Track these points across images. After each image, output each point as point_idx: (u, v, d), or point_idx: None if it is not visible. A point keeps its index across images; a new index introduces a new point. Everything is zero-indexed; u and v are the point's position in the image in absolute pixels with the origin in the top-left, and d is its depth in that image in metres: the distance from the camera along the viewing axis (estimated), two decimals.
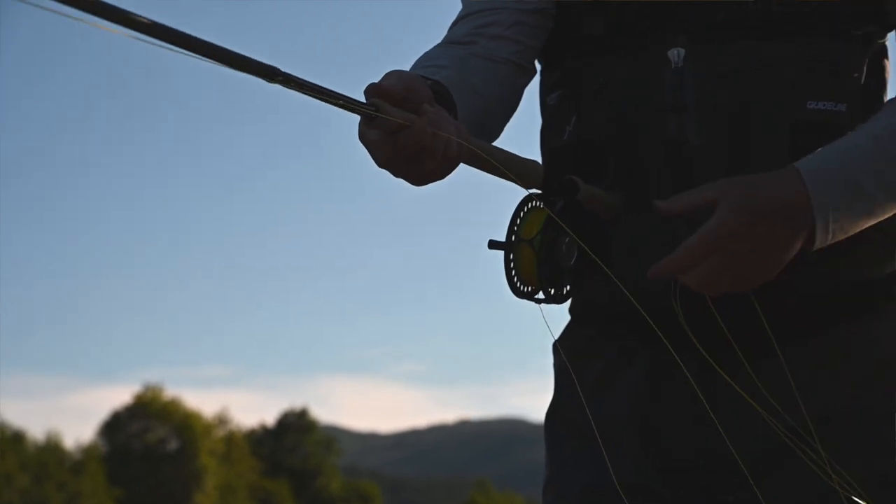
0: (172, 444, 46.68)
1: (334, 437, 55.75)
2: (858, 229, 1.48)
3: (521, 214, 1.50)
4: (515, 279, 1.50)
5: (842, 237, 1.47)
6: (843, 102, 1.54)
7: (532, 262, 1.50)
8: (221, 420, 49.37)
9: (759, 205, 1.42)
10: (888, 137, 1.47)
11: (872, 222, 1.49)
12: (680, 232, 1.47)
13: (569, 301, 1.60)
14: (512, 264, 1.50)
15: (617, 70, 1.60)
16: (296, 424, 52.31)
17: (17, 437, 42.86)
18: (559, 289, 1.53)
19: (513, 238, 1.50)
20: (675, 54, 1.56)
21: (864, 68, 1.56)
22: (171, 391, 50.99)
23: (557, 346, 1.73)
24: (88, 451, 45.05)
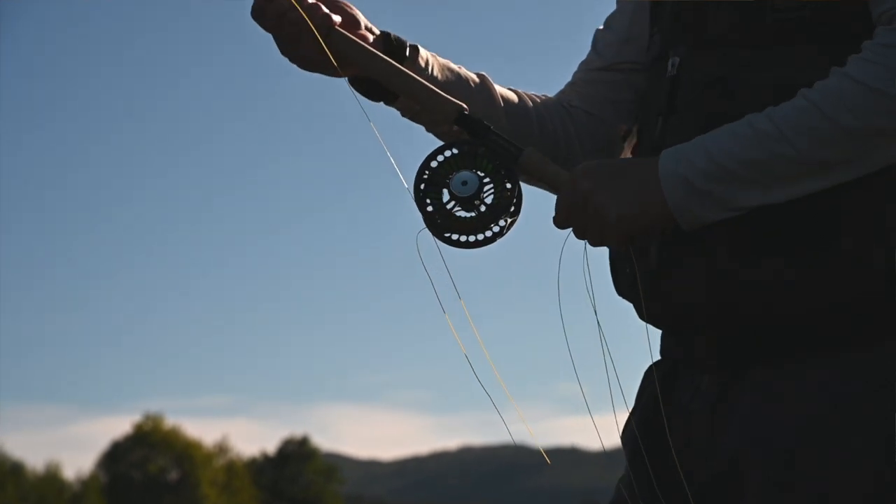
0: (173, 474, 46.49)
1: (336, 466, 55.56)
2: (736, 204, 1.50)
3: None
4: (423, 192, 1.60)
5: (717, 212, 1.51)
6: None
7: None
8: (222, 449, 49.23)
9: (606, 170, 1.57)
10: (760, 121, 1.49)
11: (750, 199, 1.49)
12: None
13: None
14: (426, 174, 1.62)
15: (647, 82, 1.74)
16: (297, 453, 52.12)
17: (17, 469, 42.69)
18: (444, 217, 1.59)
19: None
20: (671, 63, 1.64)
21: None
22: (171, 420, 50.92)
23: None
24: (88, 482, 44.85)
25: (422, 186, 1.62)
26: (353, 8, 1.72)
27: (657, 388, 1.65)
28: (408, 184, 1.62)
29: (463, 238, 1.60)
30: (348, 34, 1.68)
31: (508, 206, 1.60)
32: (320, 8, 1.67)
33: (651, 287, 1.61)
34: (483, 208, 1.60)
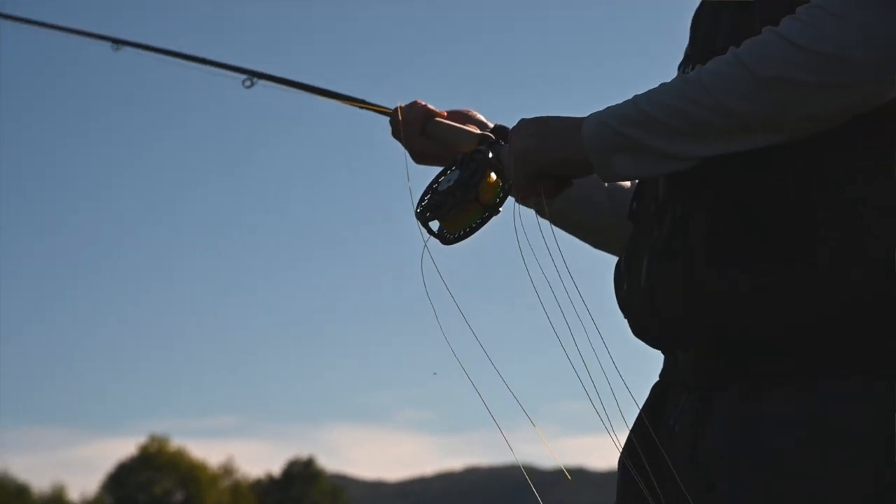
0: (178, 496, 46.42)
1: (341, 486, 55.45)
2: (640, 141, 1.49)
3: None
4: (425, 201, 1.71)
5: (632, 160, 1.50)
6: None
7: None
8: (227, 470, 49.18)
9: (536, 117, 1.62)
10: (692, 72, 1.49)
11: (667, 146, 1.48)
12: (657, 242, 1.57)
13: None
14: (435, 187, 1.73)
15: None
16: (302, 474, 52.03)
17: (22, 491, 42.64)
18: (430, 207, 1.68)
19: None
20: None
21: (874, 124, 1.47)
22: (176, 441, 50.86)
23: None
24: None
25: (426, 198, 1.72)
26: (471, 110, 1.99)
27: (643, 411, 1.64)
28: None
29: (448, 234, 1.67)
30: (445, 121, 1.94)
31: (473, 178, 1.67)
32: (425, 106, 1.97)
33: (641, 303, 1.59)
34: (457, 192, 1.67)
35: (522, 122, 1.62)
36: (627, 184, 1.89)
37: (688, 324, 1.53)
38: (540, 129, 1.59)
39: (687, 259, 1.52)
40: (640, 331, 1.63)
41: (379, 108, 2.06)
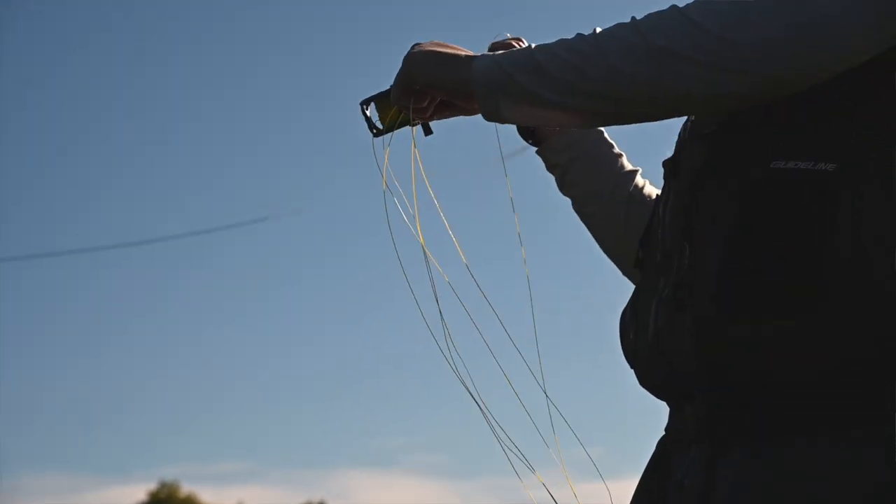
0: None
1: None
2: (528, 78, 1.50)
3: None
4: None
5: (512, 101, 1.51)
6: (831, 161, 1.41)
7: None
8: None
9: (440, 42, 1.64)
10: (594, 34, 1.48)
11: (547, 94, 1.49)
12: (664, 295, 1.53)
13: None
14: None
15: None
16: None
17: None
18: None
19: None
20: (685, 127, 1.63)
21: (873, 120, 1.43)
22: (186, 487, 50.57)
23: None
24: None
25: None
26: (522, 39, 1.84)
27: (650, 464, 1.62)
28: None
29: (378, 125, 1.75)
30: None
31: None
32: None
33: (648, 352, 1.56)
34: (387, 90, 1.74)
35: (430, 43, 1.64)
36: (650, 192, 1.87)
37: (696, 375, 1.49)
38: (432, 49, 1.62)
39: (695, 308, 1.48)
40: (646, 381, 1.60)
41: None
